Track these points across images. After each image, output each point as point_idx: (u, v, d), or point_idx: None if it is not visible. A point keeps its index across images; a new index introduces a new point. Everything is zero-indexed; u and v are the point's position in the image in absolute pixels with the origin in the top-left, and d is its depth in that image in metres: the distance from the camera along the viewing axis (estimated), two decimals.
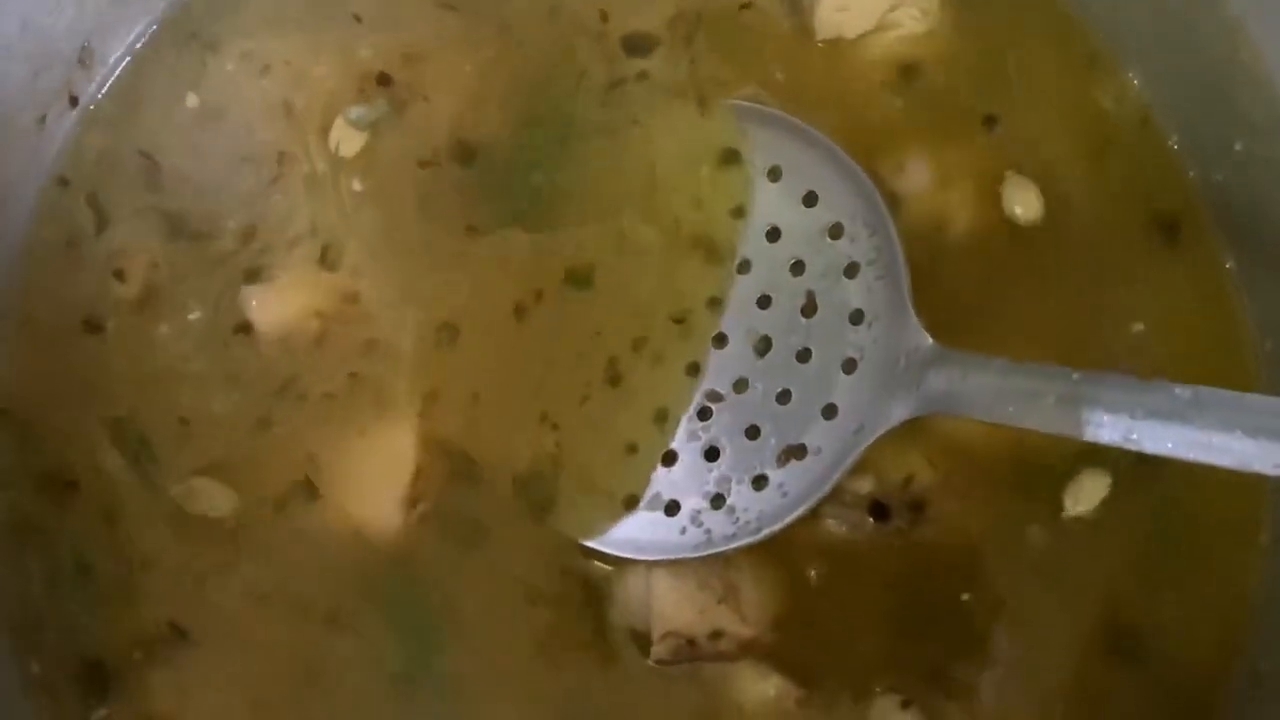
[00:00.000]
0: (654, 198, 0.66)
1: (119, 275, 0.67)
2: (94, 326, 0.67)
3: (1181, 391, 0.50)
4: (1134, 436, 0.51)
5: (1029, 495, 0.64)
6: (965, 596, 0.63)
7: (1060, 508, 0.64)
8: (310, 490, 0.65)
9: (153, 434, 0.65)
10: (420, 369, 0.66)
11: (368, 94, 0.69)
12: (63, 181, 0.69)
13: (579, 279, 0.66)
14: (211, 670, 0.63)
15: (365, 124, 0.68)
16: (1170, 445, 0.50)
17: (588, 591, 0.64)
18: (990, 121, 0.69)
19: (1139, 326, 0.66)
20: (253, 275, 0.67)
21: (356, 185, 0.68)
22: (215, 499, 0.65)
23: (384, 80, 0.69)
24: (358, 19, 0.70)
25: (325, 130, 0.69)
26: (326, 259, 0.67)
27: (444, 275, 0.67)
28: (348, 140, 0.68)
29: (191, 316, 0.67)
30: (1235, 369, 0.66)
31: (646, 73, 0.69)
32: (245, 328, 0.66)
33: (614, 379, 0.64)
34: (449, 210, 0.68)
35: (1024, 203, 0.67)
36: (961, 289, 0.66)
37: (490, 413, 0.65)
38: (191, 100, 0.70)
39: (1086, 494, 0.64)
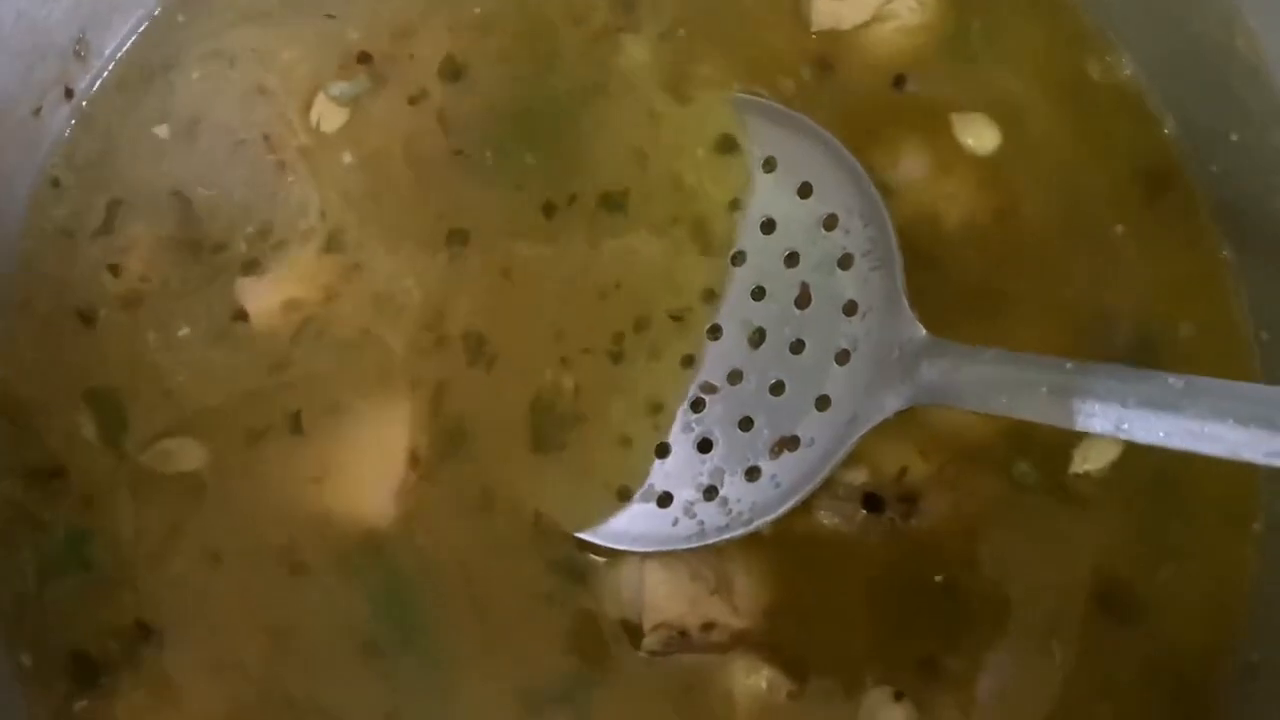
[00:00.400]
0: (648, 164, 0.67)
1: (114, 270, 0.67)
2: (87, 317, 0.67)
3: (1174, 381, 0.50)
4: (1125, 426, 0.51)
5: (1034, 458, 0.64)
6: (955, 585, 0.63)
7: (1068, 463, 0.64)
8: (295, 424, 0.65)
9: (130, 404, 0.66)
10: (431, 291, 0.66)
11: (349, 70, 0.69)
12: (57, 173, 0.69)
13: (611, 202, 0.67)
14: (188, 656, 0.64)
15: (347, 99, 0.69)
16: (1162, 434, 0.50)
17: (580, 582, 0.63)
18: (900, 81, 0.69)
19: (1137, 319, 0.66)
20: (250, 267, 0.67)
21: (347, 158, 0.68)
22: (186, 453, 0.65)
23: (364, 58, 0.69)
24: (331, 17, 0.71)
25: (306, 109, 0.69)
26: (331, 244, 0.67)
27: (442, 193, 0.68)
28: (329, 116, 0.69)
29: (187, 310, 0.67)
30: (1232, 360, 0.66)
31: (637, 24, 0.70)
32: (241, 315, 0.66)
33: (616, 356, 0.65)
34: (437, 139, 0.68)
35: (975, 134, 0.68)
36: (956, 279, 0.66)
37: (509, 309, 0.66)
38: (180, 84, 0.70)
39: (1096, 454, 0.64)
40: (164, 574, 0.64)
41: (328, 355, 0.66)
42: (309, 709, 0.63)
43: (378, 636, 0.63)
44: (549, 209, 0.67)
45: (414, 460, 0.64)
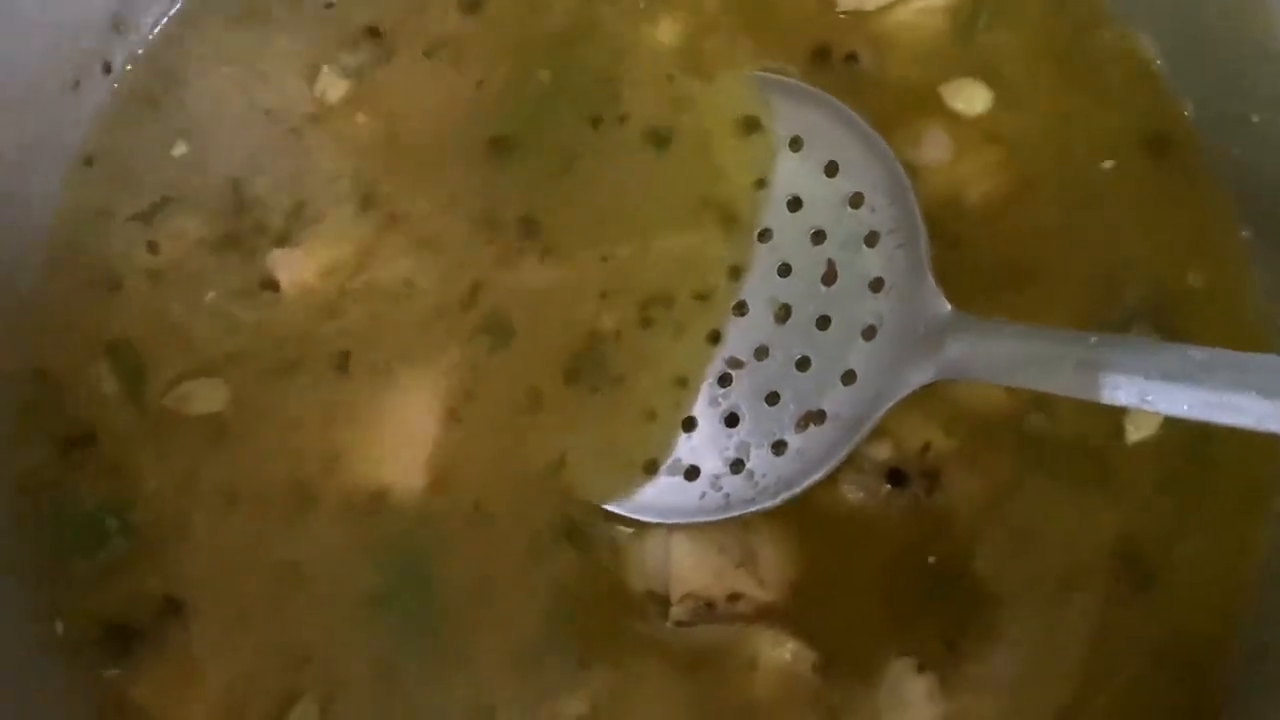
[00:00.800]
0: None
1: (151, 247, 0.68)
2: (115, 284, 0.68)
3: (1196, 353, 0.51)
4: (1149, 398, 0.52)
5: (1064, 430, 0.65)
6: (977, 558, 0.64)
7: (1123, 435, 0.65)
8: (342, 361, 0.66)
9: (150, 353, 0.67)
10: (481, 195, 0.68)
11: (354, 44, 0.71)
12: (92, 149, 0.70)
13: (658, 136, 0.68)
14: (212, 626, 0.64)
15: (351, 71, 0.70)
16: (1185, 406, 0.51)
17: (605, 552, 0.64)
18: (851, 59, 0.70)
19: (1154, 300, 0.67)
20: (283, 240, 0.68)
21: (361, 119, 0.70)
22: (208, 394, 0.66)
23: (372, 33, 0.71)
24: (330, 6, 0.72)
25: (310, 84, 0.71)
26: (365, 202, 0.68)
27: (471, 118, 0.69)
28: (333, 87, 0.70)
29: (217, 281, 0.68)
30: (1250, 341, 0.66)
31: None
32: (271, 285, 0.67)
33: (646, 321, 0.66)
34: (457, 78, 0.70)
35: (965, 98, 0.69)
36: (977, 256, 0.67)
37: (566, 197, 0.68)
38: (189, 97, 0.72)
39: (1146, 420, 0.64)
40: (189, 534, 0.65)
41: (368, 311, 0.67)
42: (318, 662, 0.63)
43: (382, 591, 0.64)
44: (596, 121, 0.68)
45: (452, 415, 0.65)
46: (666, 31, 0.71)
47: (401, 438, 0.65)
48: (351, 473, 0.65)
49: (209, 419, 0.66)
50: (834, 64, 0.70)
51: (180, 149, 0.70)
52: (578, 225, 0.67)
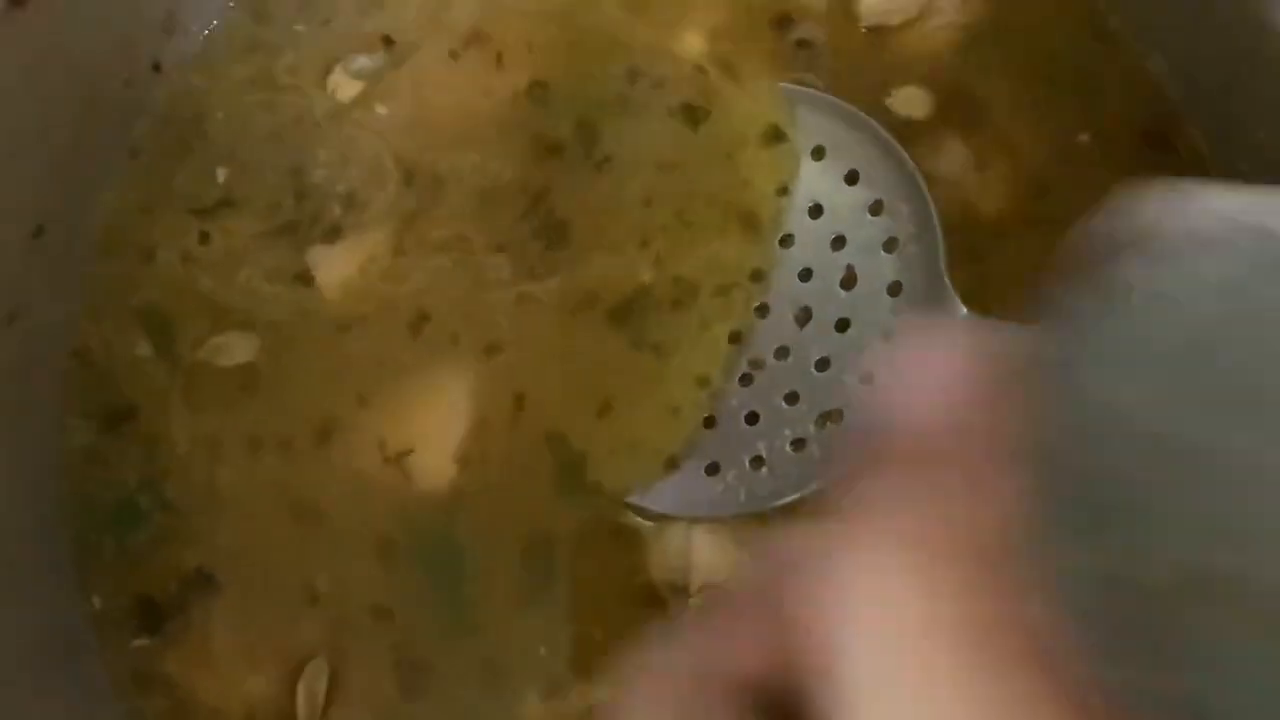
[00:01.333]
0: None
1: (203, 238, 0.70)
2: (151, 259, 0.70)
3: None
4: None
5: None
6: None
7: None
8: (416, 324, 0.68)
9: (181, 315, 0.69)
10: (522, 127, 0.70)
11: (370, 48, 0.73)
12: (138, 144, 0.72)
13: (694, 114, 0.70)
14: (241, 597, 0.66)
15: (364, 75, 0.72)
16: None
17: (627, 544, 0.66)
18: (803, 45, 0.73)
19: None
20: (333, 232, 0.70)
21: (380, 109, 0.72)
22: (238, 345, 0.68)
23: (387, 42, 0.73)
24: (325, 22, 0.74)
25: (323, 82, 0.73)
26: (407, 178, 0.70)
27: (500, 78, 0.71)
28: (344, 86, 0.72)
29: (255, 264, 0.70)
30: None
31: None
32: (306, 278, 0.69)
33: (676, 302, 0.68)
34: (480, 59, 0.72)
35: (908, 104, 0.72)
36: (992, 260, 0.69)
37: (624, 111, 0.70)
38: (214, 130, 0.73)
39: None
40: (216, 493, 0.67)
41: (425, 278, 0.69)
42: (331, 620, 0.65)
43: (404, 547, 0.65)
44: (633, 74, 0.71)
45: (493, 347, 0.67)
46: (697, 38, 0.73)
47: (443, 383, 0.67)
48: (381, 423, 0.67)
49: (241, 369, 0.68)
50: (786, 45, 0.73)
51: (221, 174, 0.72)
52: (628, 144, 0.69)
